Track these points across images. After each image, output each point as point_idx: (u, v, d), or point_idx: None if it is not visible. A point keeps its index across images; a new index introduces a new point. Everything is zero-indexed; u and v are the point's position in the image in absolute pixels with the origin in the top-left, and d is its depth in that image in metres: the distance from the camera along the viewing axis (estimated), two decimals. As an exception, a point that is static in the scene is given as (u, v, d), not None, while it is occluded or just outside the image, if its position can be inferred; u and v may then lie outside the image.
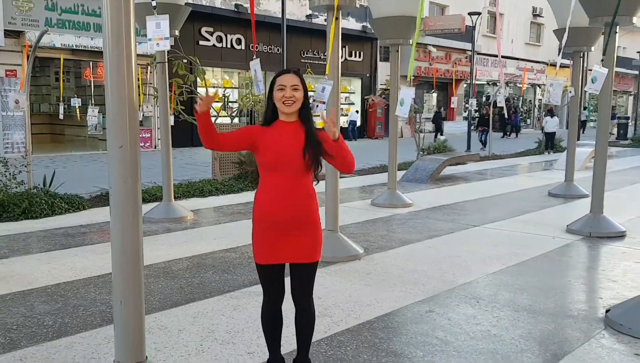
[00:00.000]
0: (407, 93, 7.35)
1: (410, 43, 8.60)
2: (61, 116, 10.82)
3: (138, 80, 16.58)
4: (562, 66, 38.12)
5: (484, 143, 21.03)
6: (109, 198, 2.69)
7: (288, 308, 3.06)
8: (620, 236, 6.75)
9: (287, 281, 2.94)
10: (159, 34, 2.59)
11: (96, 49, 16.68)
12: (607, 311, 4.10)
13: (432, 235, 6.80)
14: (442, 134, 25.88)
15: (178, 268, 5.36)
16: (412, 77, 7.19)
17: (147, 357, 2.89)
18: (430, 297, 4.53)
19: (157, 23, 2.57)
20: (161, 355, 3.43)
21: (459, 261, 5.65)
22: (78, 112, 15.55)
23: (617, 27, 6.57)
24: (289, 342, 3.45)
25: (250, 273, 5.16)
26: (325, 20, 5.74)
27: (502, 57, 33.82)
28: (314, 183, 2.83)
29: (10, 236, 6.58)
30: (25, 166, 8.16)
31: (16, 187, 7.89)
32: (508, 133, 28.60)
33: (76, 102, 15.97)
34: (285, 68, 2.97)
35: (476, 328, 3.90)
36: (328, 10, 5.50)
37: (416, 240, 6.56)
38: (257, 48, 21.37)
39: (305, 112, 2.79)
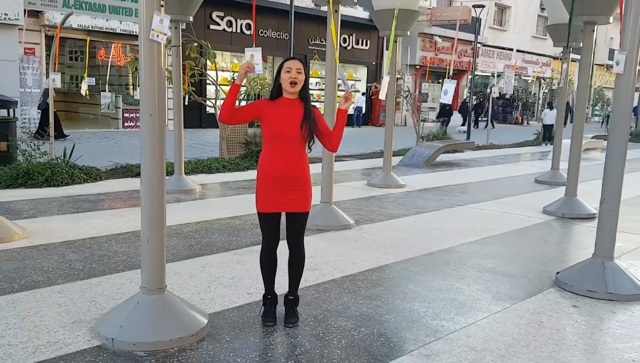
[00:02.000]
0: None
1: (408, 35, 9.21)
2: (83, 93, 11.60)
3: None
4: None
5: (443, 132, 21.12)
6: (140, 154, 3.34)
7: (282, 261, 3.72)
8: (591, 217, 7.37)
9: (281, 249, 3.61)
10: (161, 28, 3.23)
11: (111, 31, 17.33)
12: (557, 273, 4.75)
13: (419, 212, 7.46)
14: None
15: (188, 230, 6.04)
16: (418, 67, 7.80)
17: (166, 286, 3.57)
18: (407, 259, 5.20)
19: (161, 19, 3.21)
20: (176, 292, 4.11)
21: (439, 233, 6.31)
22: (87, 91, 16.14)
23: (595, 25, 7.14)
24: (282, 288, 4.12)
25: (252, 236, 5.84)
26: (342, 5, 6.28)
27: (508, 49, 34.25)
28: (308, 151, 3.50)
29: (36, 200, 7.28)
30: (48, 138, 8.84)
31: (40, 157, 8.58)
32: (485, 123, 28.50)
33: (91, 81, 16.63)
34: (292, 55, 3.72)
35: (442, 282, 4.57)
36: (328, 2, 6.10)
37: (403, 215, 7.22)
38: (266, 34, 21.84)
39: (304, 92, 3.47)
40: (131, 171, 9.59)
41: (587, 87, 7.36)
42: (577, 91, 7.54)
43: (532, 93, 38.03)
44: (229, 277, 4.53)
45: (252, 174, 10.23)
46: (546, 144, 19.51)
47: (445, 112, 22.27)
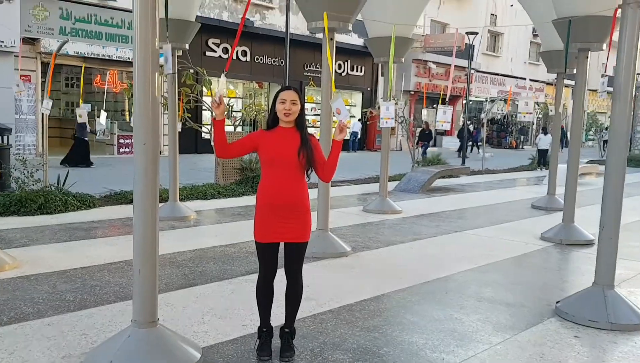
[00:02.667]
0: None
1: (402, 61, 9.26)
2: (82, 120, 11.63)
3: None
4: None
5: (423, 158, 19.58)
6: (133, 183, 3.28)
7: (278, 292, 3.64)
8: (589, 244, 7.31)
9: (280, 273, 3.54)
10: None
11: (107, 57, 17.40)
12: (557, 302, 4.68)
13: (416, 238, 7.40)
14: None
15: (182, 259, 5.95)
16: (412, 92, 7.86)
17: (158, 319, 3.48)
18: (405, 288, 5.12)
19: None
20: (168, 324, 4.01)
21: (436, 260, 6.24)
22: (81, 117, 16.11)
23: (589, 52, 7.20)
24: (277, 319, 4.03)
25: (248, 264, 5.75)
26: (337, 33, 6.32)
27: (502, 75, 34.60)
28: (306, 179, 3.46)
29: (28, 228, 7.18)
30: (42, 166, 8.78)
31: (33, 184, 8.50)
32: (471, 149, 28.35)
33: (86, 107, 16.64)
34: (287, 85, 3.71)
35: (441, 312, 4.49)
36: (323, 31, 6.13)
37: (400, 241, 7.16)
38: (261, 61, 21.95)
39: (300, 120, 3.45)
40: (125, 198, 9.50)
41: (582, 113, 7.37)
42: (572, 117, 7.56)
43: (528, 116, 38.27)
44: (223, 308, 4.43)
45: (247, 200, 10.17)
46: (541, 169, 19.55)
47: (424, 137, 22.03)
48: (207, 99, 13.24)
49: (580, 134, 7.55)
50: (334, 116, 3.59)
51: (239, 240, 6.89)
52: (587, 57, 7.22)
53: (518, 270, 6.05)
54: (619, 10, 4.24)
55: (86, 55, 16.99)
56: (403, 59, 9.20)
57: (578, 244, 7.29)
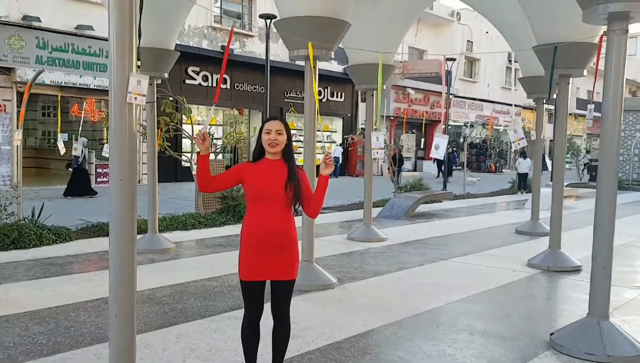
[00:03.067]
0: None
1: (384, 88, 9.24)
2: (62, 151, 11.37)
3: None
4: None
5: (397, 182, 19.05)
6: (109, 223, 3.10)
7: (263, 330, 3.46)
8: (576, 270, 7.25)
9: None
10: (138, 90, 3.08)
11: (84, 86, 17.18)
12: (551, 334, 4.55)
13: (402, 267, 7.25)
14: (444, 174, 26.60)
15: (162, 295, 5.71)
16: (392, 118, 7.84)
17: (137, 366, 3.26)
18: (395, 322, 4.95)
19: (138, 80, 3.07)
20: (148, 368, 3.80)
21: (425, 290, 6.09)
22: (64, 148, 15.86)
23: (570, 77, 7.22)
24: (264, 360, 3.83)
25: (230, 300, 5.54)
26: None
27: (479, 100, 35.07)
28: (294, 213, 3.31)
29: (1, 265, 6.87)
30: (16, 198, 8.49)
31: (6, 218, 8.20)
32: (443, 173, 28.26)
33: (63, 137, 16.36)
34: (273, 115, 3.57)
35: (434, 348, 4.33)
36: (306, 59, 6.05)
37: (387, 271, 7.00)
38: (242, 88, 21.91)
39: (287, 152, 3.30)
40: (102, 230, 9.22)
41: (565, 137, 7.37)
42: (555, 141, 7.56)
43: (505, 142, 38.74)
44: (206, 349, 4.22)
45: (228, 230, 9.97)
46: (522, 193, 19.66)
47: (396, 162, 21.60)
48: (187, 127, 13.10)
49: (564, 158, 7.55)
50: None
51: (221, 272, 6.68)
52: (569, 83, 7.24)
53: (508, 299, 5.93)
54: (604, 37, 4.21)
55: (63, 84, 16.76)
56: (385, 85, 9.17)
57: (565, 270, 7.22)
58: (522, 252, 8.47)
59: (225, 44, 20.91)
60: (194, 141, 11.44)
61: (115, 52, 3.00)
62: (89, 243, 8.43)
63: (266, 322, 3.41)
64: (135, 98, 3.02)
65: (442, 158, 7.83)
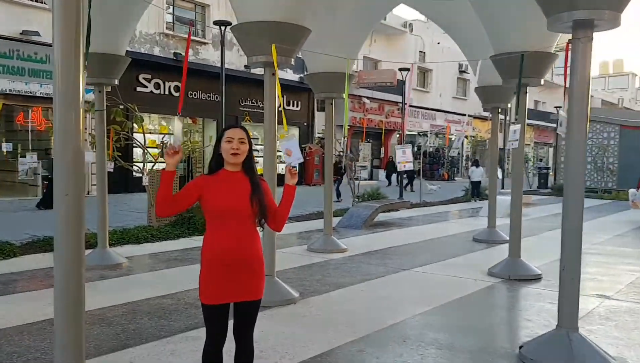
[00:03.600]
0: (288, 144, 8.04)
1: (343, 97, 9.13)
2: None
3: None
4: (486, 119, 40.44)
5: (337, 194, 18.70)
6: (54, 243, 2.82)
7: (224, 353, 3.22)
8: (537, 278, 7.28)
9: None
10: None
11: (30, 94, 16.44)
12: (520, 347, 4.48)
13: (365, 279, 7.10)
14: (395, 183, 26.69)
15: (113, 314, 5.37)
16: (348, 127, 7.77)
17: (86, 399, 2.97)
18: (361, 337, 4.78)
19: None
20: (98, 399, 3.49)
21: (389, 303, 5.95)
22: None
23: (527, 87, 7.28)
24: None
25: (187, 318, 5.25)
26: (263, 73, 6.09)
27: (431, 110, 35.61)
28: (259, 229, 3.08)
29: None
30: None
31: (-59, 234, 7.64)
32: (390, 183, 28.29)
33: (7, 147, 15.62)
34: (233, 123, 3.30)
35: (402, 365, 4.18)
36: (265, 66, 5.85)
37: (349, 283, 6.84)
38: (195, 96, 21.43)
39: (249, 163, 3.08)
40: (50, 245, 8.69)
41: (523, 146, 7.41)
42: (513, 150, 7.59)
43: (457, 151, 39.47)
44: (163, 374, 3.94)
45: (184, 243, 9.61)
46: (475, 201, 19.96)
47: (337, 171, 20.89)
48: (138, 136, 12.65)
49: (522, 167, 7.60)
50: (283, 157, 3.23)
51: (177, 289, 6.36)
52: (526, 93, 7.30)
53: (472, 310, 5.86)
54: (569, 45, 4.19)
55: (7, 92, 15.97)
56: (344, 94, 9.06)
57: (526, 279, 7.23)
58: (481, 261, 8.47)
59: (178, 51, 20.46)
60: (146, 151, 11.05)
61: (60, 58, 2.74)
62: (35, 259, 7.94)
63: (227, 344, 3.17)
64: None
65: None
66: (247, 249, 2.99)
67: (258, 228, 3.10)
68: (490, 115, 10.48)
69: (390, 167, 28.37)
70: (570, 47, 4.16)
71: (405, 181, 24.18)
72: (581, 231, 4.27)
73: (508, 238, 10.33)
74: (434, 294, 6.36)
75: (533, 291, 6.68)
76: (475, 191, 20.23)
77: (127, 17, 7.61)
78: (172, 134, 21.06)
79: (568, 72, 4.35)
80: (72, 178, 2.75)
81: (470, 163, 34.10)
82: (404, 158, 14.33)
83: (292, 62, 5.96)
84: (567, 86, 4.36)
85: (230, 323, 3.10)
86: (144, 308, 5.60)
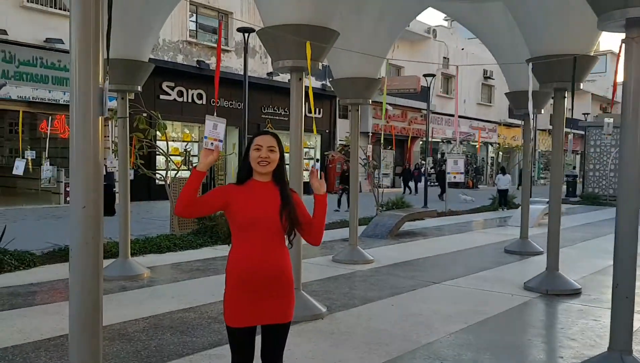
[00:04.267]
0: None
1: (369, 103, 8.87)
2: (19, 172, 10.10)
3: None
4: (513, 126, 39.82)
5: (339, 203, 18.24)
6: (69, 260, 2.60)
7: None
8: (576, 293, 6.89)
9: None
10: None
11: (54, 102, 16.50)
12: (568, 370, 4.14)
13: (394, 293, 6.80)
14: (411, 191, 26.32)
15: (134, 329, 5.16)
16: (370, 134, 7.48)
17: None
18: (394, 358, 4.49)
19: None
20: (116, 425, 3.26)
21: (422, 319, 5.64)
22: (30, 165, 15.18)
23: (566, 92, 6.94)
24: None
25: (210, 334, 5.02)
26: (288, 80, 5.87)
27: (459, 116, 35.12)
28: (288, 245, 2.83)
29: (-47, 296, 6.23)
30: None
31: (-37, 244, 7.55)
32: (410, 190, 27.28)
33: (30, 154, 15.64)
34: (264, 130, 3.05)
35: (441, 389, 3.87)
36: (292, 70, 5.62)
37: (378, 297, 6.54)
38: (218, 104, 21.30)
39: (279, 173, 2.84)
40: (70, 254, 8.60)
41: (562, 153, 7.06)
42: (552, 158, 7.24)
43: (481, 158, 38.89)
44: (185, 396, 3.70)
45: (206, 252, 9.42)
46: (503, 209, 19.48)
47: (345, 180, 19.70)
48: (161, 144, 12.54)
49: (561, 176, 7.23)
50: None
51: (199, 302, 6.14)
52: (564, 97, 6.95)
53: (512, 328, 5.52)
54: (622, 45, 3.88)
55: (31, 99, 16.05)
56: (370, 100, 8.80)
57: (564, 294, 6.85)
58: (515, 274, 8.11)
59: (201, 59, 20.43)
60: (169, 159, 10.91)
61: (77, 63, 2.52)
62: (55, 269, 7.79)
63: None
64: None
65: (462, 180, 8.02)
66: (274, 266, 2.73)
67: (287, 245, 2.84)
68: (523, 122, 10.09)
69: (407, 175, 27.93)
70: (622, 47, 3.84)
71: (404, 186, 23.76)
72: (636, 245, 3.93)
73: (541, 249, 10.03)
74: (468, 310, 6.03)
75: (574, 308, 6.30)
76: (503, 200, 19.75)
77: (150, 23, 7.46)
78: (198, 141, 21.01)
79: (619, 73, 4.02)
80: (90, 190, 2.53)
81: (496, 171, 33.59)
82: (455, 169, 13.86)
83: (320, 67, 5.72)
84: (617, 87, 4.04)
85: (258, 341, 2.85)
86: (165, 323, 5.38)
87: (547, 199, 18.17)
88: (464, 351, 4.70)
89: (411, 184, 27.68)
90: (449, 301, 6.44)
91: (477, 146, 36.35)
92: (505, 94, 10.34)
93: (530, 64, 6.96)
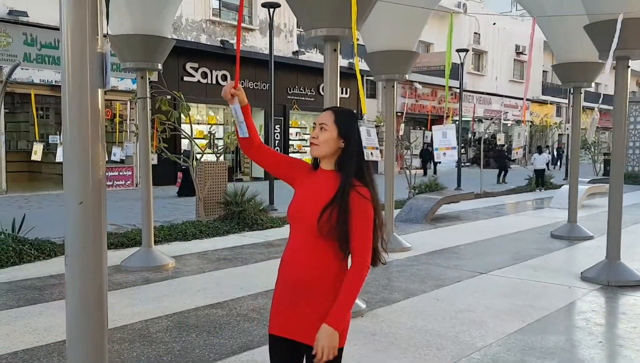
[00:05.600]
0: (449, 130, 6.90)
1: (406, 78, 8.22)
2: (37, 158, 9.72)
3: (115, 116, 15.67)
4: (545, 103, 38.49)
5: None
6: (65, 267, 2.10)
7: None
8: (640, 284, 6.23)
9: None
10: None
11: (76, 85, 16.15)
12: (656, 383, 3.54)
13: (438, 285, 6.23)
14: (430, 172, 25.34)
15: (156, 329, 4.70)
16: (399, 114, 6.79)
17: None
18: (449, 365, 3.94)
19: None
20: None
21: (473, 316, 5.07)
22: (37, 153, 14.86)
23: (629, 60, 6.21)
24: None
25: (240, 335, 4.54)
26: (319, 53, 5.27)
27: (487, 94, 34.00)
28: (342, 256, 2.18)
29: (-32, 290, 5.88)
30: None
31: (-19, 233, 7.22)
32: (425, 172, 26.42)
33: (56, 139, 15.36)
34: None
35: (510, 407, 3.31)
36: (326, 41, 5.03)
37: (421, 290, 5.98)
38: (243, 84, 20.78)
39: (342, 160, 2.22)
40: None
41: (624, 128, 6.32)
42: (614, 134, 6.53)
43: (512, 137, 37.70)
44: (212, 415, 3.21)
45: (232, 239, 8.98)
46: (540, 190, 18.66)
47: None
48: (185, 127, 12.08)
49: (624, 153, 6.52)
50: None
51: (228, 296, 5.67)
52: (628, 67, 6.22)
53: (577, 327, 4.91)
54: None
55: (54, 83, 15.73)
56: (407, 75, 8.15)
57: (628, 285, 6.18)
58: (567, 262, 7.48)
59: (225, 38, 19.87)
60: (193, 142, 10.43)
61: (68, 17, 1.98)
62: (75, 259, 7.41)
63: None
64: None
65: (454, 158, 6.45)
66: (306, 269, 2.18)
67: (339, 253, 2.20)
68: (573, 95, 9.32)
69: (425, 155, 26.80)
70: None
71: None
72: None
73: (591, 234, 9.32)
74: (523, 305, 5.43)
75: (642, 302, 5.65)
76: (540, 180, 18.91)
77: (170, -5, 6.92)
78: (223, 124, 20.57)
79: None
80: (88, 181, 2.01)
81: (529, 150, 32.48)
82: (443, 143, 9.83)
83: (360, 37, 5.11)
84: None
85: None
86: (191, 321, 4.91)
87: (588, 179, 17.31)
88: (528, 357, 4.10)
89: (430, 164, 26.49)
90: (499, 294, 5.84)
91: (506, 125, 35.18)
92: (553, 66, 9.56)
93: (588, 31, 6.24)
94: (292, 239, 2.26)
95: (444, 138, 7.99)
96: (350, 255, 2.19)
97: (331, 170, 2.25)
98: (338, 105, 5.15)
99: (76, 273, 2.02)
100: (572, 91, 9.49)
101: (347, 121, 2.25)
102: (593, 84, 9.26)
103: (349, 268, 2.19)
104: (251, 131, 2.34)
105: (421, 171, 25.22)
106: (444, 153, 7.84)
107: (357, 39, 5.13)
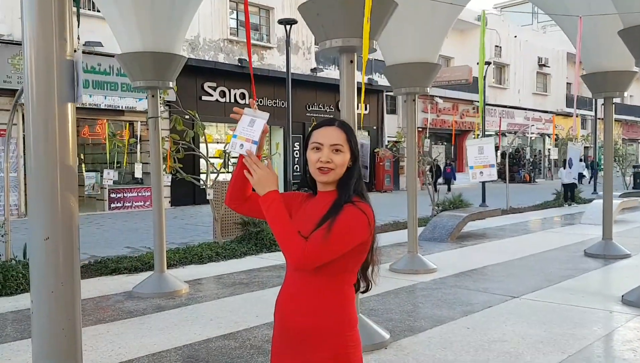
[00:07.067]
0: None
1: (426, 92, 7.89)
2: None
3: (131, 137, 15.56)
4: (570, 115, 37.70)
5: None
6: (30, 315, 1.78)
7: None
8: (689, 308, 5.73)
9: None
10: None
11: (94, 107, 16.16)
12: None
13: (467, 311, 5.79)
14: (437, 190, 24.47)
15: (165, 364, 4.37)
16: (420, 129, 6.40)
17: None
18: (483, 407, 3.52)
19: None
20: None
21: (508, 347, 4.64)
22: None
23: (669, 67, 5.79)
24: None
25: (253, 370, 4.18)
26: (337, 69, 4.97)
27: (510, 107, 33.40)
28: (355, 286, 1.93)
29: (-27, 320, 5.63)
30: (2, 236, 7.29)
31: (-8, 259, 7.01)
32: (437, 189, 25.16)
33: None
34: (328, 118, 2.02)
35: None
36: (341, 52, 4.72)
37: (449, 318, 5.56)
38: (261, 102, 20.62)
39: (344, 182, 1.93)
40: (106, 267, 7.99)
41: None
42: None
43: (538, 150, 36.96)
44: None
45: (249, 262, 8.66)
46: (569, 205, 18.03)
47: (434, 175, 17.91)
48: (202, 147, 11.85)
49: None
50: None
51: (241, 325, 5.32)
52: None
53: (625, 359, 4.44)
54: None
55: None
56: (428, 88, 7.81)
57: (675, 309, 5.69)
58: (605, 283, 7.00)
59: (243, 57, 19.79)
60: (209, 162, 10.18)
61: (31, 18, 1.69)
62: (87, 285, 7.14)
63: None
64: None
65: (492, 177, 5.78)
66: (304, 314, 1.88)
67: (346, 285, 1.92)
68: (604, 105, 8.85)
69: (436, 172, 25.90)
70: None
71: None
72: None
73: (628, 252, 8.79)
74: (562, 333, 4.98)
75: (694, 329, 5.15)
76: (570, 194, 18.27)
77: (181, 11, 6.70)
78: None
79: None
80: (56, 212, 1.69)
81: (554, 164, 31.71)
82: (479, 160, 8.05)
83: (376, 46, 4.79)
84: None
85: None
86: (201, 355, 4.57)
87: (620, 193, 16.65)
88: (573, 396, 3.68)
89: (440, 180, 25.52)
90: (535, 321, 5.39)
91: (531, 138, 34.41)
92: (582, 76, 9.13)
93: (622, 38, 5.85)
94: (288, 274, 1.95)
95: (480, 153, 7.31)
96: (359, 278, 2.03)
97: (330, 191, 1.95)
98: (355, 120, 4.84)
99: (43, 322, 1.69)
100: (603, 102, 8.96)
101: (354, 137, 1.96)
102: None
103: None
104: (240, 186, 2.00)
105: (445, 187, 24.66)
106: (481, 172, 7.22)
107: (375, 50, 4.81)
